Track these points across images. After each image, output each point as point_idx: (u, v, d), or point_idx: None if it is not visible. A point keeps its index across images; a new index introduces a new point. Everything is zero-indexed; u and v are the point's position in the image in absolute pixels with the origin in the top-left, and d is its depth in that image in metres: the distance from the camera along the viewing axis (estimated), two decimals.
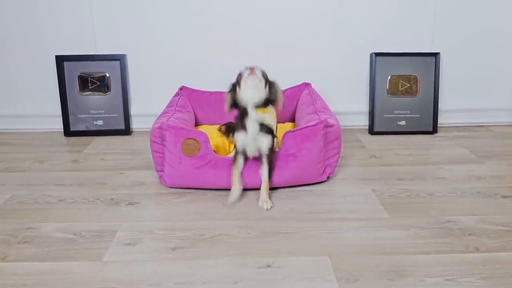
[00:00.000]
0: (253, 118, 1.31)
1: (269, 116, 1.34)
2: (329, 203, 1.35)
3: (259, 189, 1.39)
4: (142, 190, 1.46)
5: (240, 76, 1.32)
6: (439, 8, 1.98)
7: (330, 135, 1.43)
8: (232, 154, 1.59)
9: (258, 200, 1.34)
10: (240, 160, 1.38)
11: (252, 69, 1.29)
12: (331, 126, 1.42)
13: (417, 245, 1.11)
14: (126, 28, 2.00)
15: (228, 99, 1.36)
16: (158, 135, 1.44)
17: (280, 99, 1.36)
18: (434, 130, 2.03)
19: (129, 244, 1.13)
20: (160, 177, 1.48)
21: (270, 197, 1.35)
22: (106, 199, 1.39)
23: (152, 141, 1.46)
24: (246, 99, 1.31)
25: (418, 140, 1.95)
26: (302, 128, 1.40)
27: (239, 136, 1.35)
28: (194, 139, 1.40)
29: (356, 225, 1.21)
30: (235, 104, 1.35)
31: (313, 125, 1.39)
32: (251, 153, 1.36)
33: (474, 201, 1.36)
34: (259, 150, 1.35)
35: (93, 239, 1.16)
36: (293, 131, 1.40)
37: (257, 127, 1.32)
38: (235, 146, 1.38)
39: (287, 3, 1.98)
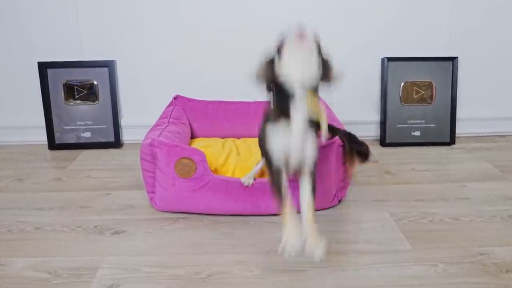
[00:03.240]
0: (303, 107, 0.90)
1: (319, 105, 0.93)
2: (342, 231, 1.19)
3: (262, 215, 1.24)
4: (130, 215, 1.29)
5: (281, 43, 0.91)
6: (456, 8, 1.82)
7: (343, 155, 1.27)
8: (251, 175, 1.24)
9: (260, 227, 1.18)
10: (284, 181, 0.95)
11: (301, 34, 0.89)
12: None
13: (448, 286, 0.95)
14: (115, 32, 1.83)
15: (262, 76, 0.94)
16: (149, 153, 1.27)
17: (335, 76, 0.94)
18: (451, 141, 1.86)
19: (111, 286, 0.97)
20: (151, 199, 1.32)
21: (273, 223, 1.19)
22: (89, 226, 1.23)
23: (142, 159, 1.30)
24: (292, 77, 0.90)
25: (435, 153, 1.79)
26: None
27: (278, 138, 0.94)
28: (190, 159, 1.24)
29: (375, 260, 1.05)
30: (271, 84, 0.93)
31: (326, 145, 1.23)
32: (293, 165, 0.96)
33: (506, 228, 1.19)
34: (301, 162, 0.96)
35: (70, 279, 0.99)
36: None
37: (306, 122, 0.92)
38: (266, 158, 0.97)
39: (288, 3, 1.82)
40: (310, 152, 0.96)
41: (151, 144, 1.26)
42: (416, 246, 1.11)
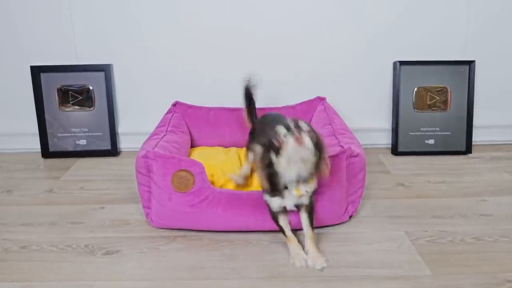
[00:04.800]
0: (294, 195, 1.05)
1: (312, 185, 1.06)
2: (354, 252, 1.09)
3: (265, 232, 1.14)
4: (124, 233, 1.20)
5: (278, 141, 0.97)
6: (473, 9, 1.72)
7: (354, 167, 1.17)
8: (239, 178, 1.32)
9: (264, 246, 1.09)
10: (281, 218, 1.11)
11: (298, 138, 0.94)
12: (356, 155, 1.16)
13: None
14: (111, 34, 1.74)
15: (263, 170, 1.03)
16: (143, 165, 1.18)
17: (326, 166, 1.03)
18: (467, 150, 1.76)
19: None
20: (147, 215, 1.23)
21: (278, 242, 1.09)
22: (79, 245, 1.14)
23: (137, 172, 1.21)
24: (289, 176, 1.01)
25: (450, 162, 1.68)
26: None
27: (275, 201, 1.08)
28: (187, 171, 1.14)
29: (391, 287, 0.95)
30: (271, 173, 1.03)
31: (334, 156, 1.13)
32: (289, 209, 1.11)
33: None
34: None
35: None
36: None
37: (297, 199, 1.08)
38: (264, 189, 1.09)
39: (294, 4, 1.72)
40: (304, 201, 1.08)
41: (145, 156, 1.17)
42: (436, 270, 1.01)
